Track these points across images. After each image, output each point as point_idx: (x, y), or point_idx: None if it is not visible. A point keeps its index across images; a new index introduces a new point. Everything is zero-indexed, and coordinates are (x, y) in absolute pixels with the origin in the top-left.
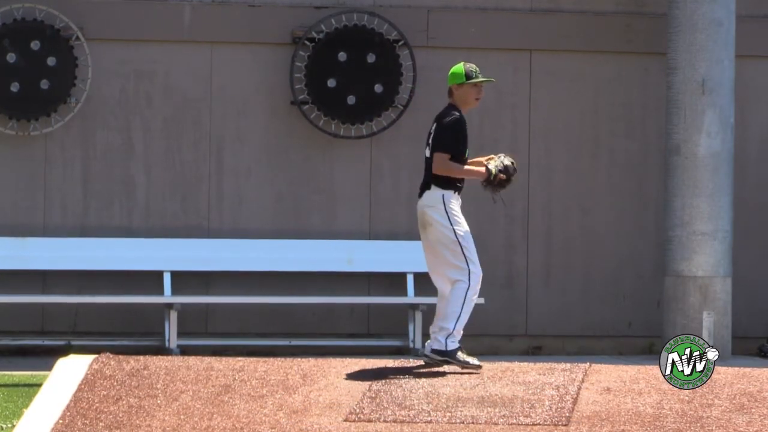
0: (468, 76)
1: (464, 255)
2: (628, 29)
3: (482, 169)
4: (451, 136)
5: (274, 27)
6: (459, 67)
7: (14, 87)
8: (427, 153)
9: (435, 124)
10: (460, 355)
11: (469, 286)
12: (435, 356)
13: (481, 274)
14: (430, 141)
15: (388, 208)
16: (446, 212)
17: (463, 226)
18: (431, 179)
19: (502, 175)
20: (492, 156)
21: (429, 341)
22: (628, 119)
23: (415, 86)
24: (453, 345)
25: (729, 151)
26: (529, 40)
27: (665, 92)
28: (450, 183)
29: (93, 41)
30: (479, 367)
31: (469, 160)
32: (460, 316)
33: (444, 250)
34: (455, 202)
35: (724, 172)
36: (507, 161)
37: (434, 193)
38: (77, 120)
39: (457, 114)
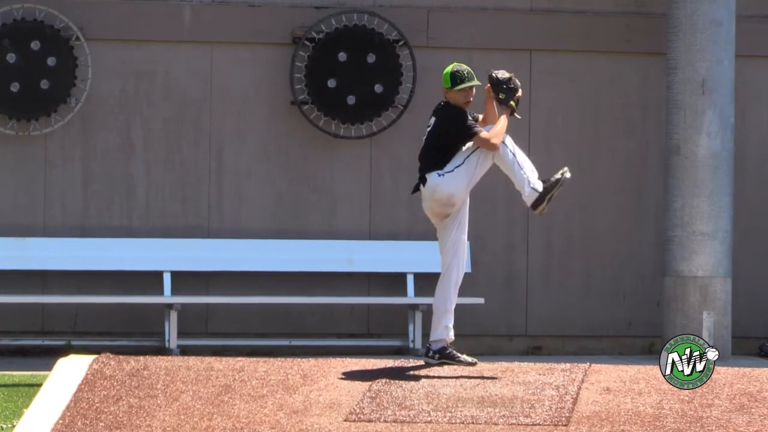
0: (453, 81)
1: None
2: (627, 29)
3: (503, 117)
4: (466, 122)
5: (274, 27)
6: (447, 70)
7: (14, 87)
8: (424, 143)
9: (435, 119)
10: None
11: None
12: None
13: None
14: (427, 136)
15: (388, 208)
16: (454, 173)
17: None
18: (430, 167)
19: (518, 94)
20: (491, 92)
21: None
22: (628, 119)
23: (415, 86)
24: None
25: (729, 151)
26: (529, 40)
27: (665, 92)
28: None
29: (93, 41)
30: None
31: (479, 118)
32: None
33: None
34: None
35: (724, 172)
36: (501, 75)
37: (434, 177)
38: (77, 120)
39: (457, 107)
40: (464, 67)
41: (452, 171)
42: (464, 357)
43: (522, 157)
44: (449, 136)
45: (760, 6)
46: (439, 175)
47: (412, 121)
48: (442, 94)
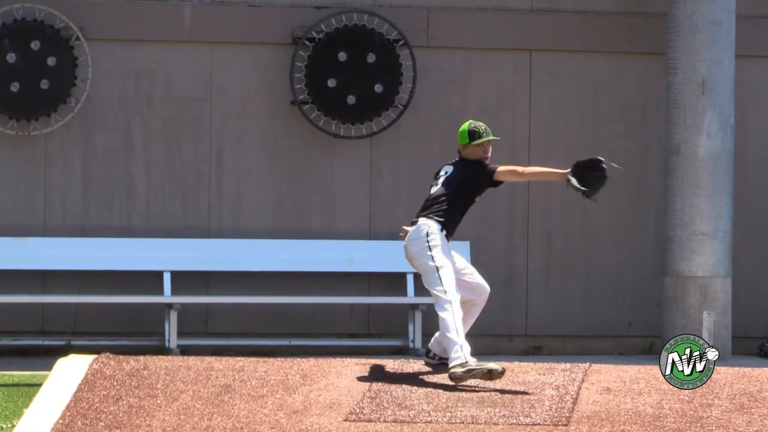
0: (472, 137)
1: (441, 280)
2: (628, 29)
3: (559, 171)
4: (487, 165)
5: (274, 27)
6: (464, 127)
7: (14, 87)
8: (433, 191)
9: (452, 169)
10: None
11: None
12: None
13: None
14: (443, 181)
15: (388, 208)
16: (427, 241)
17: (441, 253)
18: (434, 214)
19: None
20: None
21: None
22: (628, 119)
23: (415, 86)
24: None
25: (729, 151)
26: (529, 40)
27: (665, 92)
28: (449, 224)
29: (93, 41)
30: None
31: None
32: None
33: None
34: (439, 237)
35: (724, 172)
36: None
37: (422, 232)
38: (77, 120)
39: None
40: (481, 124)
41: (436, 259)
42: None
43: (459, 323)
44: (472, 183)
45: (760, 6)
46: (427, 236)
47: (412, 121)
48: (447, 96)
